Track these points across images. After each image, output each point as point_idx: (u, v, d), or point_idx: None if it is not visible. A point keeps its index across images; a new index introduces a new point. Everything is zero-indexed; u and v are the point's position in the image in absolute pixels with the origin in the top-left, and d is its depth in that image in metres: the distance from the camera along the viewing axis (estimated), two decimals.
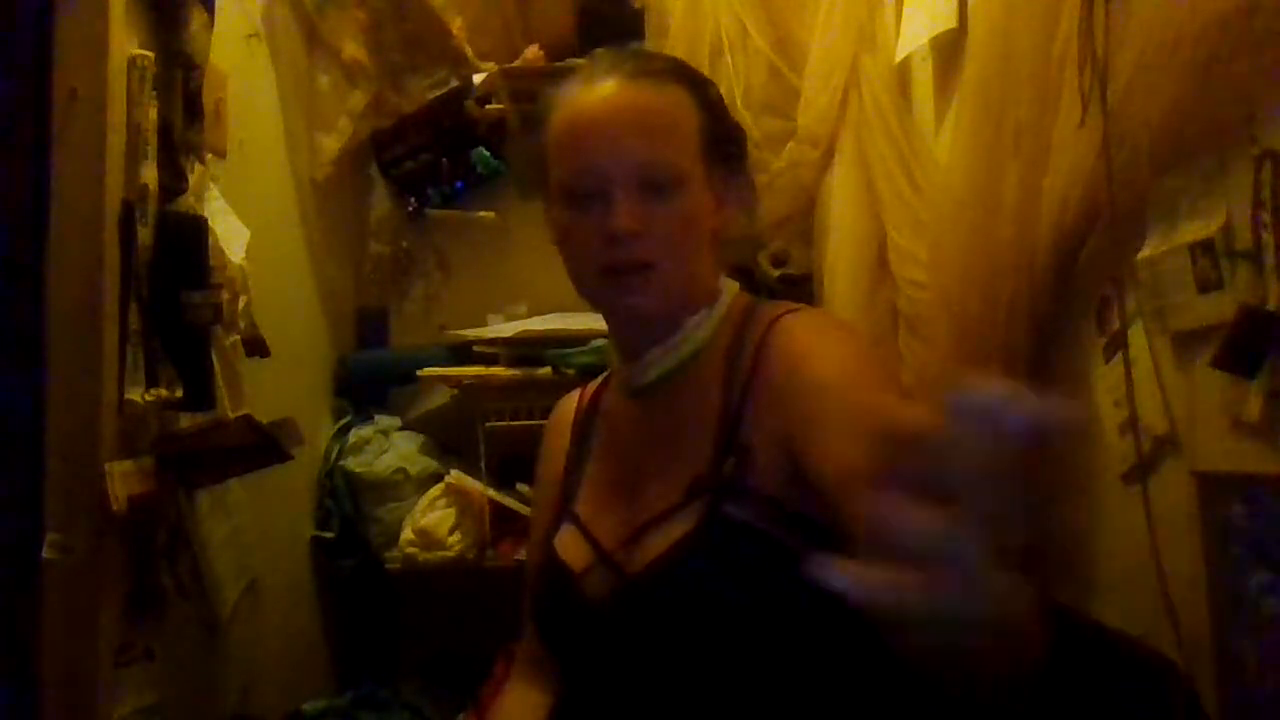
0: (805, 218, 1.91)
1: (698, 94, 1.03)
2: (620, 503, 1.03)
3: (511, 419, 2.12)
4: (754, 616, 0.91)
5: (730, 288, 1.08)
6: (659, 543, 0.94)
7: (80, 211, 1.40)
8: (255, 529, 1.85)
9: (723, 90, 1.94)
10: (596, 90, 1.00)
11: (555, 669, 1.11)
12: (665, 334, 1.03)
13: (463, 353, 2.25)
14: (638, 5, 2.20)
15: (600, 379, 1.19)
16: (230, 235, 1.69)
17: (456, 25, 2.38)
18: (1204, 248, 1.02)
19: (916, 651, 0.48)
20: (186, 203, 1.54)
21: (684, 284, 1.01)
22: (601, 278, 1.00)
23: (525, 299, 2.37)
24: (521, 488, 2.15)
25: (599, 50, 1.08)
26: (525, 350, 2.12)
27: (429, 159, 2.46)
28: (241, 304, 1.73)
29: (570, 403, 1.20)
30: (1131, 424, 1.15)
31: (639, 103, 1.00)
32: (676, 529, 0.94)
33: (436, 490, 2.19)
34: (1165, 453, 1.12)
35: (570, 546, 1.04)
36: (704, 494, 0.94)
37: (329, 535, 2.21)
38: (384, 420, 2.33)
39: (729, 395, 0.98)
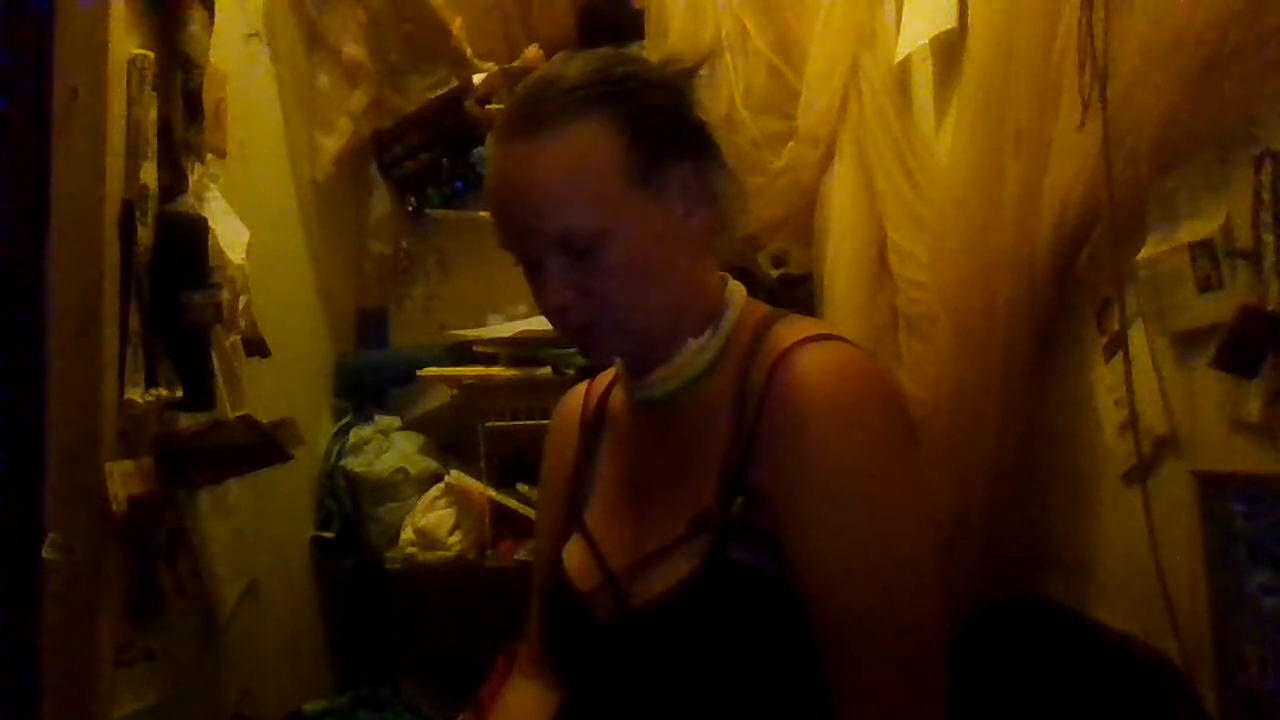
0: (805, 218, 1.91)
1: (615, 110, 0.93)
2: (628, 517, 1.02)
3: (511, 419, 2.12)
4: (754, 661, 0.90)
5: (736, 298, 1.02)
6: (661, 579, 0.93)
7: (80, 211, 1.40)
8: (255, 529, 1.85)
9: (723, 91, 1.94)
10: (501, 154, 0.94)
11: (560, 672, 1.11)
12: (668, 354, 0.99)
13: (463, 353, 2.25)
14: (638, 5, 2.20)
15: (608, 376, 1.16)
16: (230, 235, 1.69)
17: (456, 25, 2.38)
18: (1204, 248, 1.02)
19: None
20: (186, 203, 1.54)
21: (650, 322, 0.97)
22: (563, 336, 1.01)
23: (525, 299, 2.35)
24: (521, 488, 2.15)
25: (523, 84, 0.98)
26: (525, 350, 2.12)
27: (429, 159, 2.46)
28: (241, 304, 1.73)
29: (576, 400, 1.18)
30: (1131, 424, 1.15)
31: (540, 166, 0.91)
32: (679, 567, 0.92)
33: (436, 490, 2.19)
34: (1165, 453, 1.12)
35: (578, 562, 1.03)
36: (707, 531, 0.92)
37: (329, 535, 2.21)
38: (384, 420, 2.33)
39: (738, 427, 0.94)
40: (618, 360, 1.09)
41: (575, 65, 0.96)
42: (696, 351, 0.99)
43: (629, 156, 0.92)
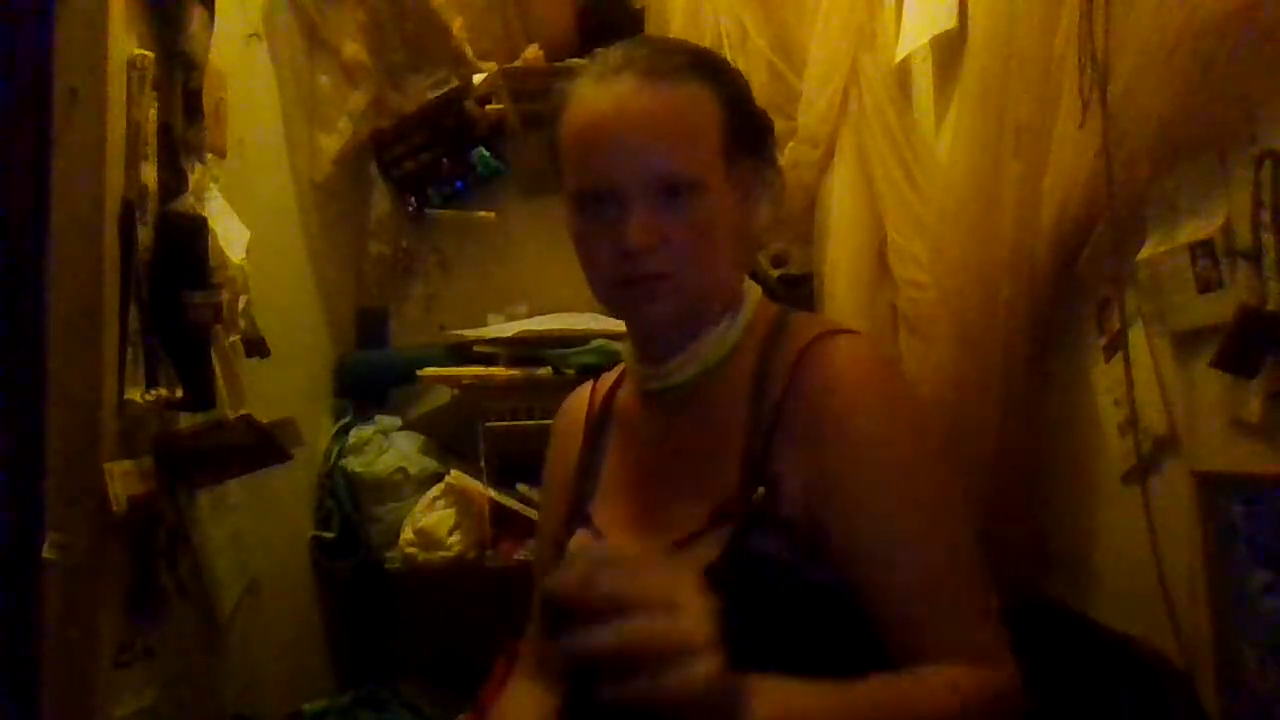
0: (805, 218, 1.91)
1: (718, 86, 0.99)
2: (638, 513, 1.02)
3: (511, 419, 2.12)
4: (774, 652, 0.89)
5: (753, 293, 1.04)
6: None
7: (80, 211, 1.40)
8: (255, 529, 1.85)
9: None
10: (610, 90, 0.96)
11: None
12: (686, 341, 1.00)
13: (463, 353, 2.24)
14: (638, 5, 2.20)
15: (614, 374, 1.16)
16: (230, 235, 1.69)
17: (456, 25, 2.38)
18: (1204, 248, 1.02)
19: None
20: (186, 203, 1.54)
21: (705, 289, 0.98)
22: (616, 287, 0.98)
23: (525, 299, 2.37)
24: (521, 488, 2.15)
25: (617, 44, 1.02)
26: (525, 350, 2.12)
27: (429, 159, 2.46)
28: (241, 304, 1.73)
29: (581, 399, 1.18)
30: (1131, 424, 1.15)
31: (655, 106, 0.94)
32: (699, 558, 0.91)
33: (436, 490, 2.19)
34: (1165, 453, 1.12)
35: None
36: (729, 521, 0.92)
37: (329, 535, 2.21)
38: (384, 420, 2.33)
39: (757, 418, 0.94)
40: (629, 353, 1.08)
41: (681, 41, 1.06)
42: (717, 338, 1.00)
43: (725, 130, 0.98)
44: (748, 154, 1.00)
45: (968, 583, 0.91)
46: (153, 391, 1.45)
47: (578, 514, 1.07)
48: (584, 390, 1.19)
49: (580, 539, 1.05)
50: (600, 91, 0.97)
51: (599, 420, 1.13)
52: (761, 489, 0.91)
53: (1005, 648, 0.90)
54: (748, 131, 1.01)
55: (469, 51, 2.39)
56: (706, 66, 1.00)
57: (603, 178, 0.95)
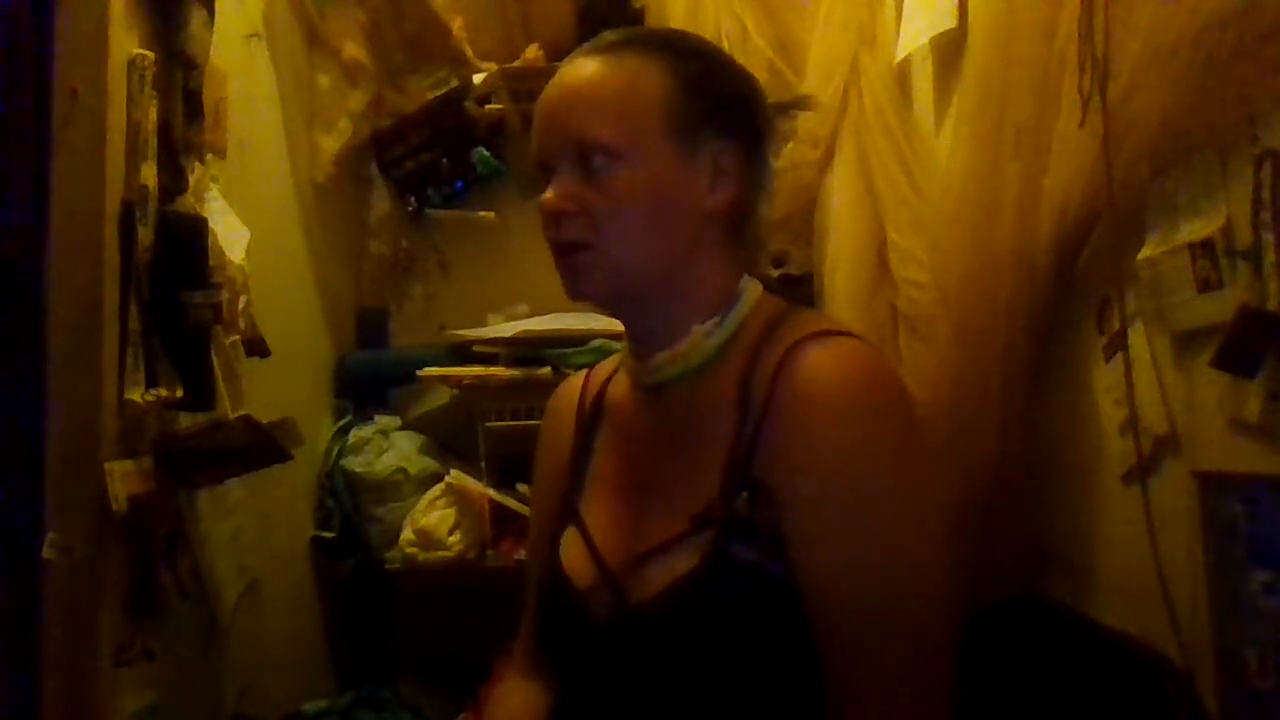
0: (805, 218, 1.91)
1: (671, 62, 0.96)
2: (626, 511, 1.01)
3: (511, 419, 2.12)
4: (754, 661, 0.90)
5: (750, 292, 1.01)
6: (662, 575, 0.92)
7: (80, 211, 1.40)
8: (255, 529, 1.85)
9: None
10: (562, 67, 0.99)
11: (554, 669, 1.10)
12: (673, 338, 0.99)
13: (463, 353, 2.24)
14: (638, 5, 2.20)
15: (609, 366, 1.15)
16: (230, 235, 1.69)
17: (456, 25, 2.38)
18: (1204, 248, 1.02)
19: None
20: (186, 203, 1.54)
21: (637, 267, 0.96)
22: (554, 260, 1.00)
23: (525, 299, 2.37)
24: (521, 488, 2.15)
25: None
26: (525, 350, 2.12)
27: (429, 159, 2.46)
28: (241, 304, 1.73)
29: (573, 389, 1.17)
30: (1131, 424, 1.15)
31: (583, 76, 0.96)
32: (679, 564, 0.91)
33: (436, 490, 2.19)
34: (1165, 453, 1.12)
35: (575, 557, 1.02)
36: (710, 527, 0.91)
37: (329, 535, 2.21)
38: (384, 420, 2.33)
39: (742, 423, 0.93)
40: (625, 344, 1.07)
41: (660, 28, 1.02)
42: (702, 337, 0.98)
43: (672, 104, 0.95)
44: (719, 135, 0.97)
45: (911, 629, 0.88)
46: (153, 391, 1.45)
47: (568, 510, 1.07)
48: (576, 380, 1.18)
49: (570, 542, 1.04)
50: (559, 69, 1.00)
51: (592, 413, 1.12)
52: (745, 494, 0.90)
53: (940, 700, 0.88)
54: (718, 111, 0.97)
55: (469, 51, 2.39)
56: (665, 45, 0.99)
57: (538, 149, 0.99)
